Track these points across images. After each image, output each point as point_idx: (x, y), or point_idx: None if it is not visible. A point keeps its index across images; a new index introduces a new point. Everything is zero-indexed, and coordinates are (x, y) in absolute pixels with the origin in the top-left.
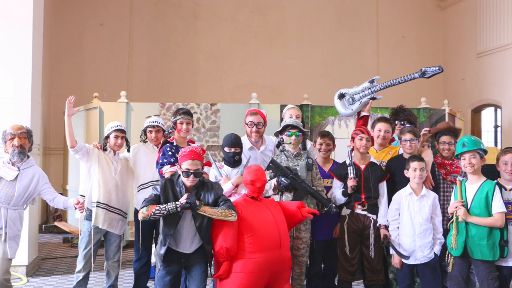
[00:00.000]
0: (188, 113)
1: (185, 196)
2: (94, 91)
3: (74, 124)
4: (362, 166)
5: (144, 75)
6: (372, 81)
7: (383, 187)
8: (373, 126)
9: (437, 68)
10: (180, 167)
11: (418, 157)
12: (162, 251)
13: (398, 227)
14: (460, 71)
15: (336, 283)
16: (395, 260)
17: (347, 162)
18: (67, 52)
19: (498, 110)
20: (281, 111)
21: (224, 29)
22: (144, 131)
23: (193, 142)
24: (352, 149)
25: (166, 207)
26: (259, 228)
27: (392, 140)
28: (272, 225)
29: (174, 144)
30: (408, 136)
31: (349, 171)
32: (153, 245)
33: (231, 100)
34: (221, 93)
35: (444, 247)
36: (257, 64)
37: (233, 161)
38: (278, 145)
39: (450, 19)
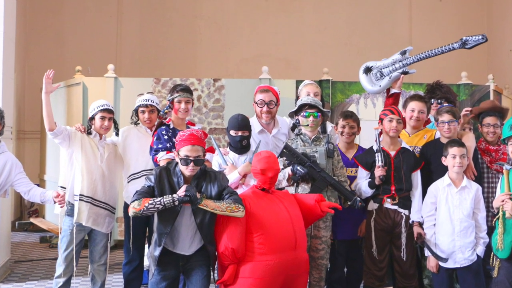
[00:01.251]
0: (187, 90)
1: (183, 187)
2: (76, 64)
3: (53, 103)
4: (392, 153)
5: (136, 46)
6: (403, 53)
7: (416, 177)
8: (404, 106)
9: (480, 37)
10: (178, 153)
11: (458, 142)
12: (157, 252)
13: (434, 225)
14: (507, 40)
15: None
16: (431, 263)
17: (375, 147)
18: (45, 19)
19: None
20: (297, 88)
21: None
22: (136, 111)
23: (193, 125)
24: (380, 133)
25: (162, 200)
26: (271, 225)
27: (428, 122)
28: (286, 222)
29: (171, 126)
30: (446, 117)
31: (376, 158)
32: (146, 246)
33: (238, 75)
34: (226, 67)
35: (488, 248)
36: (268, 33)
37: (240, 146)
38: (293, 127)
39: None
